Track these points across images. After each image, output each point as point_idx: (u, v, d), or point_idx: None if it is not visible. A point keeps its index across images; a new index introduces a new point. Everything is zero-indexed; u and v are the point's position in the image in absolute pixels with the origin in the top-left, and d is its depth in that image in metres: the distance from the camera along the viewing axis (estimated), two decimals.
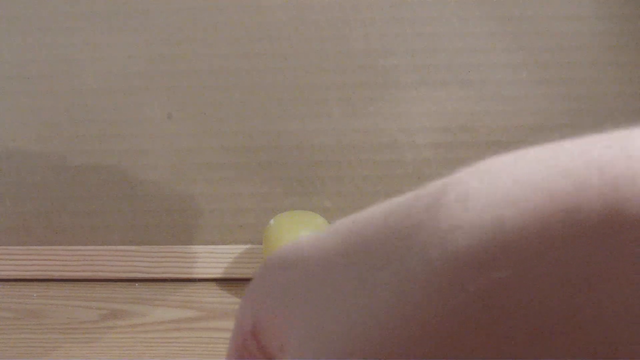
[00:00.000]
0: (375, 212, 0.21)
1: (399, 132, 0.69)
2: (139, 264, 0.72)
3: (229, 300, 0.69)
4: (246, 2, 0.68)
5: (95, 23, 0.69)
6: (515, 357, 0.18)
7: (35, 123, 0.71)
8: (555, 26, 0.67)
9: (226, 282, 0.71)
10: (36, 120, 0.71)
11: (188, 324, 0.66)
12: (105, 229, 0.72)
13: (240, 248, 0.72)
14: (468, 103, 0.69)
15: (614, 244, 0.17)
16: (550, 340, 0.18)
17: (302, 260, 0.22)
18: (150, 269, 0.72)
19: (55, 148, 0.71)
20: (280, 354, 0.23)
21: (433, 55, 0.68)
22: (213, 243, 0.72)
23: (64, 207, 0.72)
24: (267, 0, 0.68)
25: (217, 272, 0.72)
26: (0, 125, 0.71)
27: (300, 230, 0.65)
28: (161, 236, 0.72)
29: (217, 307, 0.68)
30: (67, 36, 0.69)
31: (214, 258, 0.72)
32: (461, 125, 0.69)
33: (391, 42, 0.68)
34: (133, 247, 0.72)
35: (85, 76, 0.70)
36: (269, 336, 0.23)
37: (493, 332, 0.18)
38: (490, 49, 0.67)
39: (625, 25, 0.67)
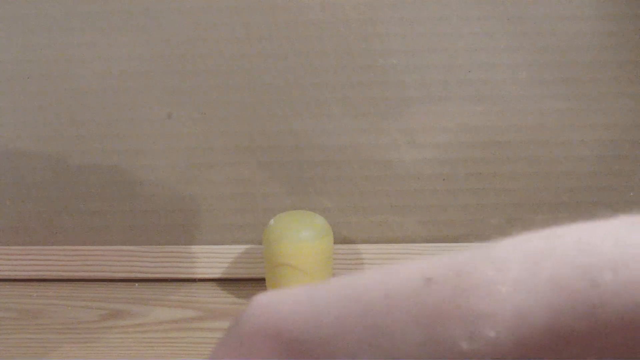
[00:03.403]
0: (376, 291, 0.22)
1: (399, 132, 0.69)
2: (139, 264, 0.72)
3: (229, 300, 0.69)
4: (246, 2, 0.68)
5: (95, 23, 0.69)
6: None
7: (35, 123, 0.71)
8: (555, 26, 0.67)
9: (226, 282, 0.71)
10: (36, 120, 0.71)
11: (188, 324, 0.66)
12: (105, 229, 0.72)
13: (240, 248, 0.72)
14: (468, 103, 0.69)
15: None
16: None
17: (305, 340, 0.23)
18: (150, 269, 0.72)
19: (55, 148, 0.71)
20: None
21: (433, 55, 0.68)
22: (213, 243, 0.72)
23: (64, 207, 0.72)
24: (267, 0, 0.68)
25: (217, 272, 0.72)
26: (0, 125, 0.71)
27: (300, 230, 0.65)
28: (161, 236, 0.72)
29: (217, 307, 0.68)
30: (67, 36, 0.69)
31: (214, 258, 0.72)
32: (461, 125, 0.69)
33: (391, 42, 0.68)
34: (133, 247, 0.72)
35: (85, 76, 0.70)
36: None
37: None
38: (490, 49, 0.67)
39: (625, 25, 0.67)
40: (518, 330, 0.19)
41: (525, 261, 0.20)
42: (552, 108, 0.68)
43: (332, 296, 0.24)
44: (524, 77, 0.68)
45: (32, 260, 0.72)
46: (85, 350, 0.62)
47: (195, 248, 0.72)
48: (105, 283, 0.72)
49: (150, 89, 0.70)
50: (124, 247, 0.72)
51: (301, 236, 0.64)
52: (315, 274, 0.64)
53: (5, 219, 0.72)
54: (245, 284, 0.71)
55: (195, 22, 0.68)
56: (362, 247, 0.71)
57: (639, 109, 0.68)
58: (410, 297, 0.21)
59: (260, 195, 0.71)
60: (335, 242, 0.68)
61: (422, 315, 0.21)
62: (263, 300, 0.25)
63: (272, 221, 0.66)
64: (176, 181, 0.71)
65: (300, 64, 0.69)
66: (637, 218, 0.20)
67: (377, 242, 0.71)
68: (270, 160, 0.70)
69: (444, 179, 0.70)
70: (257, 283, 0.70)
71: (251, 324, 0.25)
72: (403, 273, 0.23)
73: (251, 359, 0.24)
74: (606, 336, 0.18)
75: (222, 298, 0.69)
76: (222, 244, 0.72)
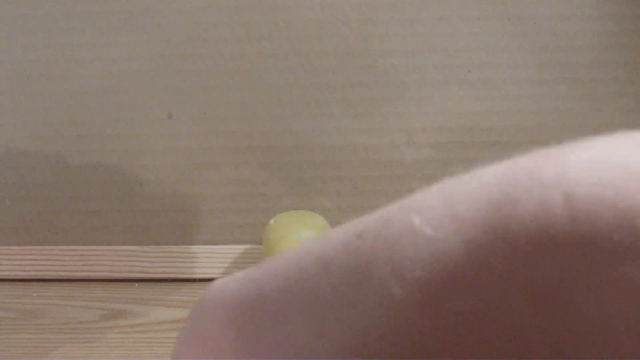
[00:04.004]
0: (318, 249, 0.23)
1: (399, 132, 0.69)
2: (139, 264, 0.72)
3: None
4: (246, 2, 0.68)
5: (95, 23, 0.69)
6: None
7: (35, 123, 0.71)
8: (555, 26, 0.67)
9: None
10: (36, 120, 0.71)
11: None
12: (105, 229, 0.72)
13: (240, 248, 0.72)
14: (468, 103, 0.69)
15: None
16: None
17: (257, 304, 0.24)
18: (150, 269, 0.72)
19: (55, 148, 0.71)
20: None
21: (433, 55, 0.68)
22: (213, 243, 0.72)
23: (64, 207, 0.72)
24: (267, 0, 0.68)
25: (217, 272, 0.72)
26: (0, 125, 0.71)
27: (300, 230, 0.65)
28: (161, 236, 0.72)
29: None
30: (67, 36, 0.69)
31: (214, 258, 0.72)
32: (461, 125, 0.69)
33: (391, 42, 0.68)
34: (133, 247, 0.72)
35: (85, 76, 0.70)
36: None
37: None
38: (490, 48, 0.67)
39: (625, 25, 0.67)
40: (442, 269, 0.19)
41: (446, 202, 0.21)
42: (552, 108, 0.68)
43: (275, 270, 0.24)
44: (524, 77, 0.68)
45: (32, 260, 0.72)
46: (85, 350, 0.62)
47: (195, 248, 0.72)
48: (105, 283, 0.72)
49: (150, 89, 0.70)
50: (124, 247, 0.72)
51: (301, 236, 0.64)
52: None
53: (5, 219, 0.72)
54: None
55: (195, 22, 0.68)
56: None
57: (639, 109, 0.68)
58: (342, 254, 0.22)
59: (260, 195, 0.71)
60: None
61: (354, 267, 0.21)
62: (215, 284, 0.25)
63: (272, 221, 0.66)
64: (176, 181, 0.71)
65: (300, 64, 0.69)
66: (552, 150, 0.21)
67: None
68: (270, 160, 0.70)
69: (444, 179, 0.69)
70: None
71: (204, 309, 0.25)
72: (336, 234, 0.23)
73: (208, 349, 0.24)
74: (524, 264, 0.18)
75: None
76: (222, 244, 0.72)
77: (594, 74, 0.68)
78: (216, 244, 0.72)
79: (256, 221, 0.71)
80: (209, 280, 0.71)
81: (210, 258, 0.72)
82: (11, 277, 0.72)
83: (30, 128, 0.71)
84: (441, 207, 0.21)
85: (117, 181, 0.71)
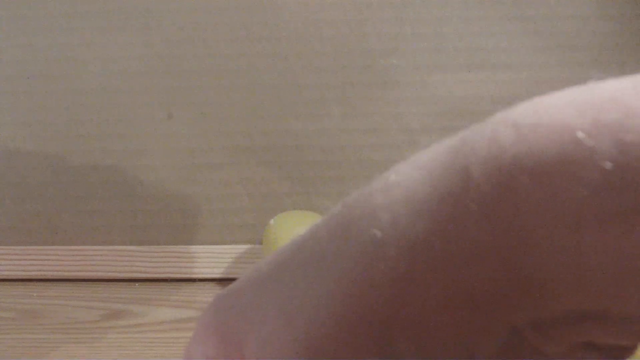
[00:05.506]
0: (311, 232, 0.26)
1: (399, 132, 0.69)
2: (139, 264, 0.72)
3: None
4: (245, 2, 0.68)
5: (95, 23, 0.69)
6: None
7: (35, 123, 0.71)
8: (555, 26, 0.67)
9: (226, 282, 0.71)
10: (36, 120, 0.71)
11: (188, 324, 0.66)
12: (105, 229, 0.72)
13: (240, 248, 0.72)
14: (468, 103, 0.69)
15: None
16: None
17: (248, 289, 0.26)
18: (150, 269, 0.72)
19: (55, 148, 0.71)
20: None
21: (433, 55, 0.68)
22: (213, 243, 0.72)
23: (64, 207, 0.72)
24: (267, 0, 0.68)
25: (217, 272, 0.72)
26: (0, 125, 0.71)
27: (300, 230, 0.64)
28: (161, 236, 0.72)
29: None
30: (67, 36, 0.69)
31: (214, 258, 0.72)
32: (462, 124, 0.69)
33: (391, 42, 0.68)
34: (133, 247, 0.72)
35: (85, 76, 0.70)
36: None
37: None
38: (490, 48, 0.67)
39: (625, 25, 0.67)
40: (410, 207, 0.22)
41: (415, 158, 0.24)
42: None
43: (260, 266, 0.26)
44: (524, 77, 0.68)
45: (32, 260, 0.72)
46: (85, 350, 0.62)
47: (195, 248, 0.72)
48: (105, 283, 0.72)
49: (150, 89, 0.70)
50: (124, 247, 0.72)
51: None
52: None
53: (5, 219, 0.72)
54: None
55: (195, 22, 0.68)
56: None
57: None
58: (328, 219, 0.24)
59: (260, 195, 0.71)
60: None
61: (340, 224, 0.24)
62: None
63: (272, 221, 0.66)
64: (176, 181, 0.71)
65: (300, 64, 0.69)
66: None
67: None
68: (270, 160, 0.70)
69: None
70: None
71: (202, 316, 0.27)
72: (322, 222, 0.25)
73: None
74: (478, 190, 0.20)
75: None
76: (222, 244, 0.72)
77: (594, 74, 0.68)
78: (216, 244, 0.72)
79: (256, 221, 0.71)
80: (209, 280, 0.72)
81: (210, 258, 0.72)
82: (11, 277, 0.72)
83: (30, 128, 0.71)
84: (412, 161, 0.24)
85: (117, 181, 0.71)
